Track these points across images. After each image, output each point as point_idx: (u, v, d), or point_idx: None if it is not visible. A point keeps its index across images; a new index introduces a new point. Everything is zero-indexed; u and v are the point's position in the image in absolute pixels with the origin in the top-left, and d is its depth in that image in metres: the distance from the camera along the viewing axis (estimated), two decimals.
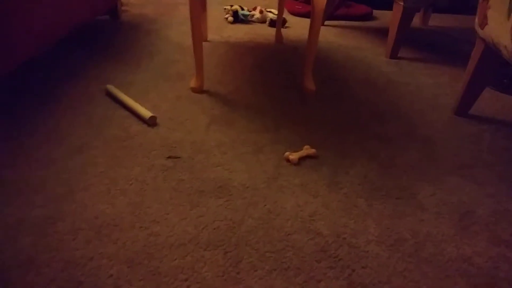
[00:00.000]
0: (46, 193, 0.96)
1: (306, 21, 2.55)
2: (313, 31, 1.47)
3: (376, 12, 2.88)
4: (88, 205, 0.93)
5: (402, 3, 1.84)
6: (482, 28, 1.26)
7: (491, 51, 1.28)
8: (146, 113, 1.29)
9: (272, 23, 2.40)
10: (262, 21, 2.47)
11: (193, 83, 1.53)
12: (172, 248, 0.84)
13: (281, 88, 1.59)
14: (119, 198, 0.97)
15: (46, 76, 1.56)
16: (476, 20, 1.31)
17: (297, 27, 2.41)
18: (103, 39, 2.00)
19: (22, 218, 0.88)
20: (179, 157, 1.14)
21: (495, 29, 1.16)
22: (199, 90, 1.53)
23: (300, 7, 2.68)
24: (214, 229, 0.89)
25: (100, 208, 0.93)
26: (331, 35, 2.28)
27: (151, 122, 1.28)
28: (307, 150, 1.17)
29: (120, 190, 0.99)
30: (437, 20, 2.76)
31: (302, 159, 1.16)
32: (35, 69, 1.61)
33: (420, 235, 0.92)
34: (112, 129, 1.24)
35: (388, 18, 2.73)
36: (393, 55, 1.97)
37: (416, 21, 2.65)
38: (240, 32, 2.25)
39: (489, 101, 1.59)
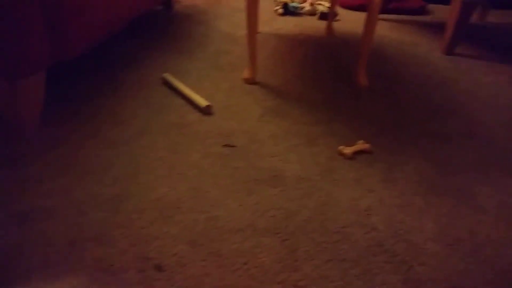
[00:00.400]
0: (113, 173, 1.02)
1: (357, 14, 2.51)
2: (369, 25, 1.46)
3: (430, 6, 2.79)
4: (151, 187, 0.98)
5: None
6: None
7: None
8: (202, 102, 1.33)
9: (323, 16, 2.38)
10: (312, 13, 2.46)
11: (246, 74, 1.56)
12: (231, 233, 0.87)
13: (332, 82, 1.59)
14: (179, 182, 1.01)
15: (106, 63, 1.63)
16: None
17: (348, 20, 2.38)
18: (158, 28, 2.06)
19: (93, 195, 0.94)
20: (234, 146, 1.17)
21: None
22: (251, 81, 1.55)
23: (350, 0, 2.64)
24: (271, 217, 0.92)
25: (162, 190, 0.98)
26: (384, 29, 2.24)
27: (207, 111, 1.32)
28: (361, 144, 1.17)
29: (180, 175, 1.03)
30: (495, 16, 2.64)
31: (356, 153, 1.16)
32: (96, 57, 1.69)
33: (479, 236, 0.90)
34: (170, 116, 1.29)
35: (443, 12, 2.64)
36: (449, 51, 1.91)
37: (473, 16, 2.55)
38: (290, 25, 2.25)
39: None
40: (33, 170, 1.01)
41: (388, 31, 2.22)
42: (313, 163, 1.11)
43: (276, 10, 2.45)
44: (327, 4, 2.46)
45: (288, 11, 2.44)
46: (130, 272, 0.76)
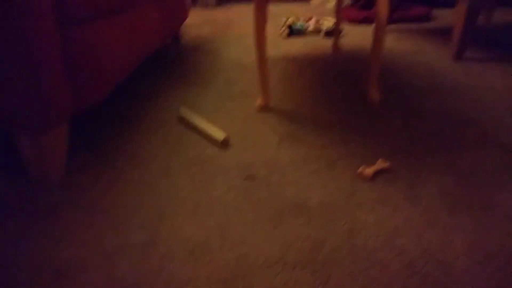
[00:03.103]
0: (141, 218, 1.05)
1: (362, 28, 2.53)
2: (378, 38, 1.47)
3: (434, 12, 2.79)
4: (179, 228, 1.01)
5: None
6: None
7: None
8: (218, 135, 1.36)
9: (328, 34, 2.41)
10: (318, 31, 2.49)
11: (258, 101, 1.59)
12: (261, 269, 0.88)
13: (344, 101, 1.60)
14: (205, 220, 1.03)
15: (121, 104, 1.68)
16: None
17: (354, 35, 2.40)
18: (169, 63, 2.12)
19: (123, 245, 0.97)
20: (255, 177, 1.19)
21: None
22: (265, 108, 1.57)
23: (354, 14, 2.67)
24: (299, 248, 0.93)
25: (190, 231, 1.00)
26: (389, 41, 2.25)
27: (224, 144, 1.35)
28: (381, 163, 1.18)
29: (206, 212, 1.05)
30: (500, 16, 2.62)
31: (377, 173, 1.16)
32: (110, 99, 1.74)
33: (510, 249, 0.89)
34: (189, 153, 1.32)
35: (448, 17, 2.64)
36: (459, 56, 1.91)
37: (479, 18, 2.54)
38: (297, 46, 2.28)
39: None
40: (64, 221, 1.04)
41: (395, 42, 2.23)
42: (335, 188, 1.12)
43: (282, 33, 2.49)
44: (332, 20, 2.49)
45: (293, 32, 2.48)
46: None
